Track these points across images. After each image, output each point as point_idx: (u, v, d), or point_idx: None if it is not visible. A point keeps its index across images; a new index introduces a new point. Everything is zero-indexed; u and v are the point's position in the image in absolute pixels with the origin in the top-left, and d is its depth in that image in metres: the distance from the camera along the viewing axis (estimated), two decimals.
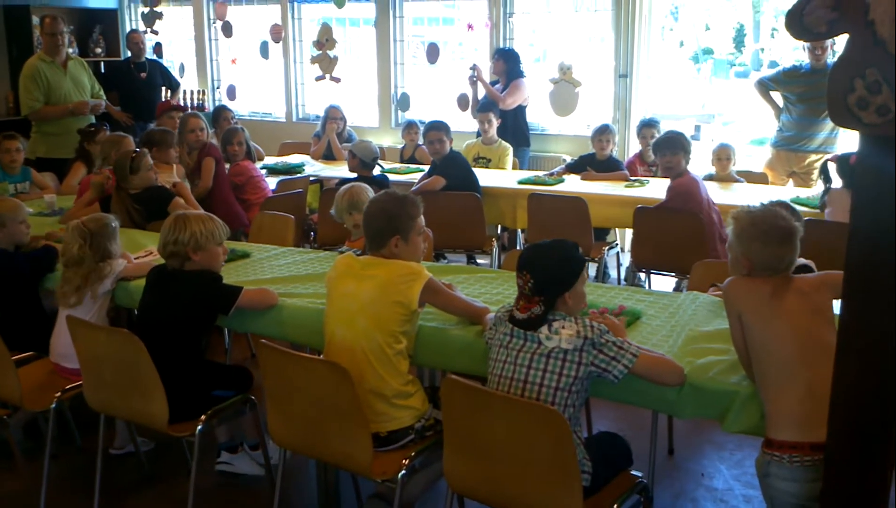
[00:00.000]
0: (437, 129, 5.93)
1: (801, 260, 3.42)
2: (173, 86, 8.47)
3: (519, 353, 2.57)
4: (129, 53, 8.34)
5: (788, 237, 2.48)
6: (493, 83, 7.43)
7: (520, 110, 7.33)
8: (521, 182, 6.13)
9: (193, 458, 3.18)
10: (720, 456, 3.88)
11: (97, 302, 3.62)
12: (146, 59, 8.25)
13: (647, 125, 6.46)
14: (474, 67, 7.40)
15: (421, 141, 7.21)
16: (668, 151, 4.96)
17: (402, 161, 7.34)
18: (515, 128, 7.27)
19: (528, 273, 2.58)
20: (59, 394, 3.42)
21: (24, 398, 3.37)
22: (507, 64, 7.30)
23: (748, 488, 3.61)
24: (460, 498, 3.03)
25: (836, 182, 4.68)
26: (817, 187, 5.55)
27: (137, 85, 8.07)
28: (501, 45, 7.79)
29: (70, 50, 7.15)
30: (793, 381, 2.31)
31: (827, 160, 4.83)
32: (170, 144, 5.34)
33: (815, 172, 5.86)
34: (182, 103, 8.71)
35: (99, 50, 9.49)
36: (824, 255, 3.30)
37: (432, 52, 7.72)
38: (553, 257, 2.62)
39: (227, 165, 5.91)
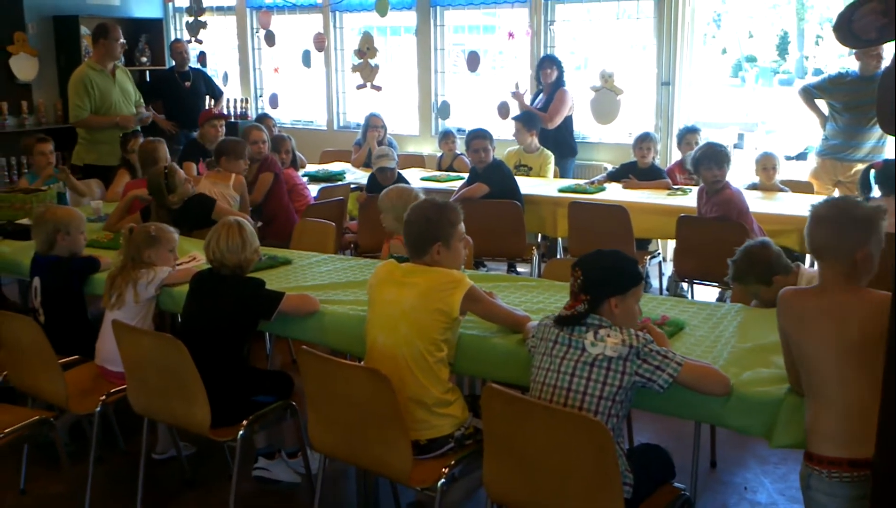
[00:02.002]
0: (482, 137, 5.93)
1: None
2: (216, 94, 8.58)
3: (563, 361, 2.55)
4: (173, 63, 8.48)
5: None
6: (538, 93, 7.40)
7: (566, 120, 7.29)
8: (561, 190, 6.10)
9: (235, 463, 3.20)
10: (764, 470, 3.82)
11: (141, 308, 3.67)
12: (190, 68, 8.37)
13: (689, 132, 6.38)
14: (517, 87, 7.38)
15: (461, 150, 7.21)
16: (715, 165, 4.88)
17: (439, 170, 7.34)
18: (560, 138, 7.24)
19: (579, 270, 2.59)
20: (103, 397, 3.47)
21: (69, 401, 3.43)
22: (559, 72, 7.23)
23: (792, 502, 3.54)
24: None
25: (876, 192, 4.57)
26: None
27: (182, 94, 8.19)
28: (543, 53, 7.76)
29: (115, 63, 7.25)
30: (831, 397, 2.27)
31: (869, 168, 4.72)
32: (241, 155, 5.39)
33: None
34: (225, 112, 8.82)
35: (144, 59, 9.64)
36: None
37: (473, 61, 7.72)
38: (608, 260, 2.63)
39: None
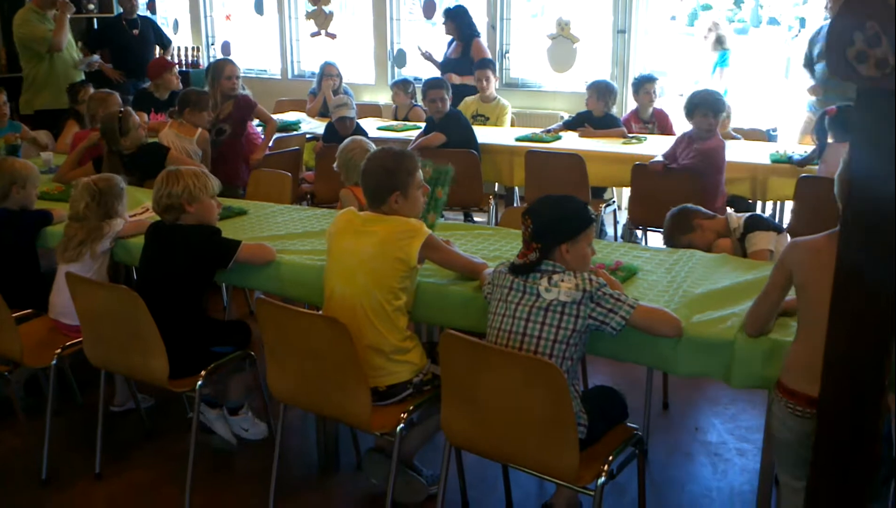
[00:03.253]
0: (438, 86, 5.90)
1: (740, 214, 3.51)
2: (165, 43, 8.36)
3: (518, 306, 2.59)
4: (121, 10, 8.26)
5: None
6: (451, 43, 7.39)
7: None
8: (518, 139, 6.11)
9: (194, 413, 3.21)
10: (714, 411, 3.93)
11: (97, 261, 3.63)
12: (138, 15, 8.16)
13: (646, 81, 6.39)
14: (425, 53, 7.49)
15: (418, 100, 7.17)
16: (712, 112, 4.81)
17: (395, 120, 7.30)
18: None
19: (529, 218, 2.62)
20: (59, 350, 3.44)
21: (24, 355, 3.39)
22: (456, 23, 7.25)
23: (742, 441, 3.65)
24: (458, 451, 3.07)
25: (829, 137, 4.64)
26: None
27: (130, 42, 7.99)
28: (499, 1, 7.71)
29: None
30: (811, 332, 2.31)
31: (823, 113, 4.76)
32: (205, 106, 5.28)
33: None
34: (174, 60, 8.63)
35: (91, 6, 9.35)
36: (818, 210, 3.34)
37: (429, 8, 7.65)
38: (557, 207, 2.66)
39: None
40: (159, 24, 8.54)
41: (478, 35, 7.33)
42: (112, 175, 3.82)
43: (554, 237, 2.59)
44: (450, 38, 7.42)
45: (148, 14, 8.50)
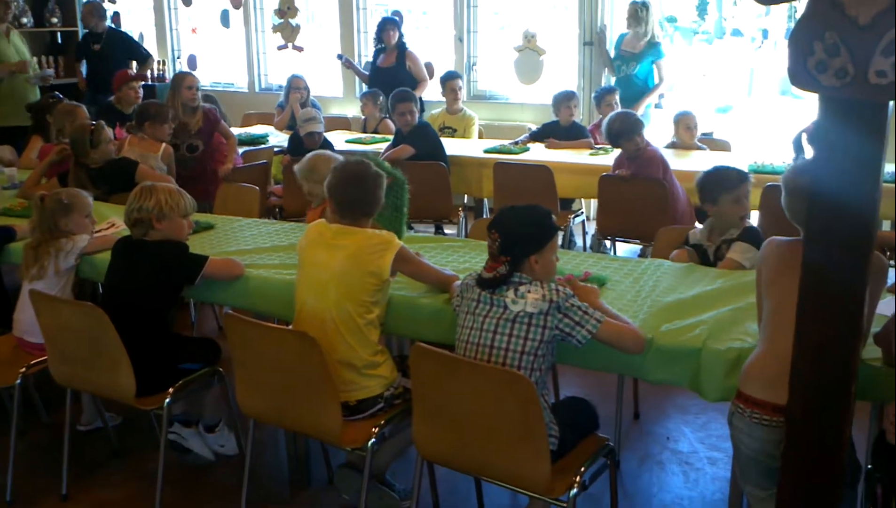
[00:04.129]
0: (407, 99, 5.90)
1: (748, 224, 3.52)
2: (140, 57, 8.18)
3: (485, 319, 2.59)
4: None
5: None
6: (378, 52, 7.45)
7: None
8: (486, 151, 6.12)
9: (162, 432, 3.17)
10: (685, 420, 3.95)
11: (61, 278, 3.57)
12: (111, 29, 8.11)
13: (607, 92, 6.45)
14: (344, 61, 7.75)
15: (385, 113, 7.16)
16: (624, 139, 4.97)
17: (364, 133, 7.28)
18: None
19: (496, 232, 2.61)
20: (23, 369, 3.39)
21: None
22: (399, 31, 7.38)
23: (712, 450, 3.68)
24: (430, 465, 3.06)
25: (808, 152, 4.71)
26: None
27: (90, 56, 7.94)
28: (465, 13, 7.75)
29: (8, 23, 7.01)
30: (770, 341, 2.33)
31: (800, 133, 4.85)
32: (165, 118, 5.23)
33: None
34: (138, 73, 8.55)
35: (55, 20, 9.26)
36: (785, 220, 3.37)
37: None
38: (523, 218, 2.66)
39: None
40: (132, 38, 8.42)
41: (406, 46, 7.46)
42: (58, 190, 3.77)
43: (522, 250, 2.59)
44: (378, 47, 7.48)
45: (116, 28, 8.37)
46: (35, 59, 7.04)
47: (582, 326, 2.54)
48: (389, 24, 7.34)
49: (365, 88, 8.23)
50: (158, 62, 9.42)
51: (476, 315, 2.62)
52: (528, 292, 2.54)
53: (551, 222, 2.67)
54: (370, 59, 8.14)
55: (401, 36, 7.35)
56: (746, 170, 4.95)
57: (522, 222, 2.65)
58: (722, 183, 3.51)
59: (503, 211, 2.72)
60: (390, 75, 7.22)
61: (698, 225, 3.92)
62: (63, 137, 4.95)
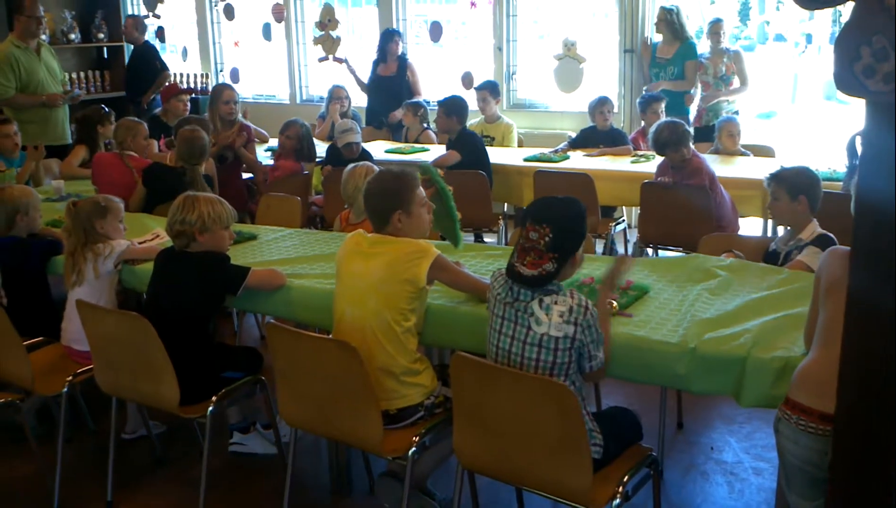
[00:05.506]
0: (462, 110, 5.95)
1: (821, 230, 3.46)
2: (156, 69, 8.30)
3: (515, 326, 2.55)
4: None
5: None
6: (378, 61, 7.64)
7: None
8: (526, 159, 6.11)
9: (205, 440, 3.20)
10: (730, 430, 3.89)
11: (103, 284, 3.63)
12: (146, 42, 8.33)
13: (654, 100, 6.40)
14: (344, 61, 7.92)
15: (426, 123, 7.19)
16: (670, 149, 4.91)
17: (405, 142, 7.31)
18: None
19: (547, 226, 2.49)
20: (70, 378, 3.44)
21: (35, 382, 3.40)
22: (402, 43, 7.68)
23: (758, 461, 3.62)
24: (471, 474, 3.05)
25: None
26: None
27: (122, 70, 8.28)
28: (505, 23, 7.77)
29: (43, 37, 7.09)
30: (824, 348, 2.29)
31: (854, 135, 4.76)
32: (207, 133, 5.33)
33: None
34: (185, 86, 8.71)
35: (101, 35, 9.47)
36: (838, 229, 3.33)
37: (435, 31, 7.70)
38: (573, 212, 2.57)
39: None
40: (162, 50, 8.64)
41: (407, 58, 7.71)
42: (95, 195, 3.87)
43: (573, 245, 2.53)
44: (378, 56, 7.66)
45: (147, 41, 8.55)
46: (66, 75, 7.15)
47: (592, 360, 2.54)
48: (397, 36, 7.58)
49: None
50: (202, 75, 9.56)
51: (506, 320, 2.58)
52: (555, 303, 2.49)
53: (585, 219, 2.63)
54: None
55: (403, 48, 7.61)
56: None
57: (573, 216, 2.55)
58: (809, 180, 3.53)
59: (547, 205, 2.58)
60: (391, 83, 7.47)
61: (775, 236, 3.84)
62: (125, 150, 5.13)
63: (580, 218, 2.58)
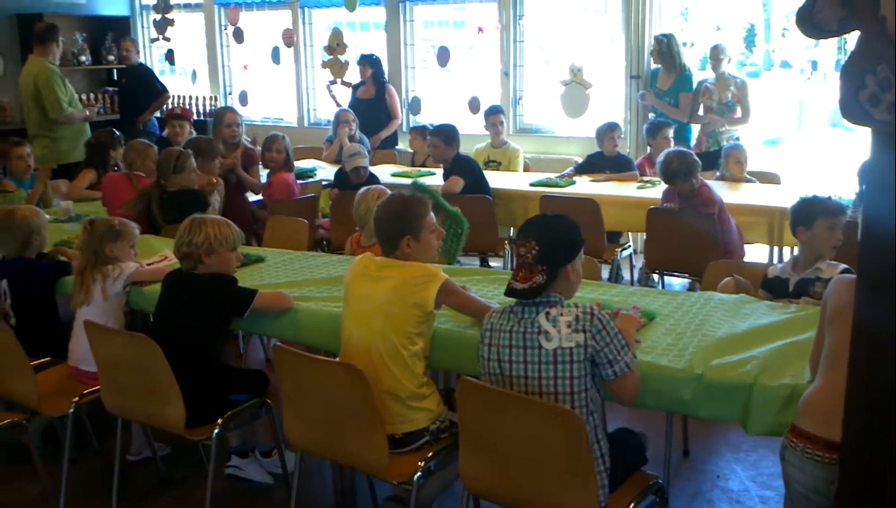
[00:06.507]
0: (453, 136, 5.96)
1: (843, 265, 3.44)
2: (156, 91, 8.41)
3: (525, 350, 2.53)
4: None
5: None
6: (358, 85, 8.00)
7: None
8: (532, 184, 6.13)
9: (210, 462, 3.20)
10: (736, 458, 3.87)
11: (111, 305, 3.66)
12: (139, 64, 8.61)
13: (664, 126, 6.42)
14: (328, 85, 8.31)
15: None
16: (680, 180, 4.89)
17: (412, 166, 7.35)
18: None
19: (532, 241, 2.55)
20: (76, 398, 3.45)
21: (41, 403, 3.40)
22: (374, 69, 7.92)
23: (764, 489, 3.60)
24: (476, 500, 3.04)
25: None
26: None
27: (118, 91, 8.56)
28: (512, 48, 7.83)
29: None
30: (830, 375, 2.29)
31: (865, 162, 4.74)
32: (215, 154, 5.35)
33: None
34: (190, 109, 8.82)
35: (112, 57, 9.56)
36: (845, 257, 3.33)
37: (443, 56, 7.74)
38: (558, 226, 2.63)
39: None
40: (171, 72, 8.79)
41: (388, 82, 8.05)
42: (113, 217, 3.90)
43: (561, 257, 2.56)
44: (358, 81, 8.03)
45: (141, 63, 8.77)
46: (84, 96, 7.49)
47: (614, 364, 2.50)
48: (366, 62, 7.90)
49: (413, 121, 8.35)
50: (211, 98, 9.63)
51: (514, 348, 2.55)
52: (561, 314, 2.50)
53: (579, 231, 2.66)
54: (417, 93, 8.31)
55: (380, 74, 7.96)
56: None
57: (558, 229, 2.62)
58: (821, 207, 3.50)
59: (533, 222, 2.67)
60: (368, 106, 7.75)
61: (777, 263, 3.82)
62: (134, 171, 5.23)
63: (566, 229, 2.63)
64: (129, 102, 8.35)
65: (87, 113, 6.93)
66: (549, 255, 2.54)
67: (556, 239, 2.58)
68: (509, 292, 2.58)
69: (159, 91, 8.43)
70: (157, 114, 8.41)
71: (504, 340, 2.59)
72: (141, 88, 8.34)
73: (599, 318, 2.50)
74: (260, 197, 6.06)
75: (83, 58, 9.37)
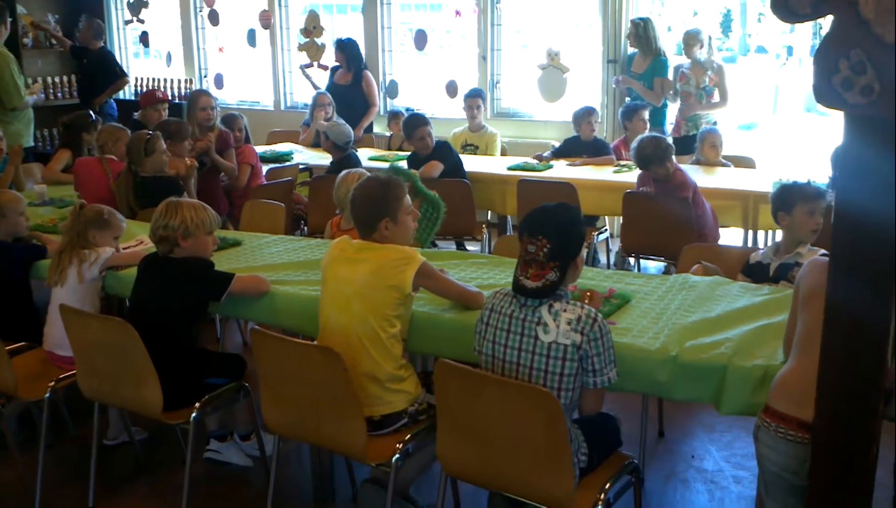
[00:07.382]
0: (423, 123, 5.92)
1: (822, 250, 3.48)
2: (115, 76, 8.37)
3: (522, 338, 2.56)
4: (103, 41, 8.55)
5: None
6: (336, 68, 7.89)
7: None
8: (510, 168, 6.15)
9: (188, 446, 3.20)
10: (710, 438, 3.92)
11: (86, 289, 3.64)
12: (103, 48, 8.49)
13: (640, 108, 6.44)
14: (302, 67, 8.31)
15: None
16: (655, 164, 4.92)
17: (389, 150, 7.33)
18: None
19: (544, 238, 2.53)
20: (52, 383, 3.43)
21: (18, 388, 3.38)
22: (346, 53, 7.75)
23: (738, 469, 3.65)
24: (454, 481, 3.06)
25: None
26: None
27: (80, 69, 8.50)
28: (489, 32, 7.82)
29: (25, 40, 7.31)
30: (802, 356, 2.32)
31: (838, 148, 4.77)
32: (185, 135, 5.32)
33: None
34: (165, 92, 8.71)
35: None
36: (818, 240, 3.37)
37: (420, 39, 7.73)
38: (567, 220, 2.62)
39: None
40: (146, 55, 8.70)
41: (365, 67, 7.88)
42: (105, 206, 3.85)
43: (570, 253, 2.56)
44: (335, 64, 7.93)
45: (103, 47, 8.62)
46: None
47: (597, 375, 2.54)
48: (338, 47, 7.78)
49: (390, 105, 8.32)
50: (186, 81, 9.54)
51: (512, 333, 2.58)
52: (564, 310, 2.52)
53: (582, 218, 2.69)
54: (394, 77, 8.25)
55: (354, 59, 7.77)
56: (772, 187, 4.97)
57: (568, 224, 2.60)
58: (801, 192, 3.53)
59: (540, 216, 2.62)
60: (345, 91, 7.65)
61: (760, 248, 3.85)
62: (104, 154, 5.15)
63: (574, 223, 2.63)
64: (88, 87, 8.28)
65: (38, 96, 6.85)
66: (562, 251, 2.53)
67: (568, 235, 2.57)
68: (520, 289, 2.57)
69: (117, 75, 8.37)
70: (120, 96, 8.35)
71: (503, 323, 2.61)
72: (100, 72, 8.28)
73: (601, 326, 2.51)
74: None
75: (54, 41, 9.23)
